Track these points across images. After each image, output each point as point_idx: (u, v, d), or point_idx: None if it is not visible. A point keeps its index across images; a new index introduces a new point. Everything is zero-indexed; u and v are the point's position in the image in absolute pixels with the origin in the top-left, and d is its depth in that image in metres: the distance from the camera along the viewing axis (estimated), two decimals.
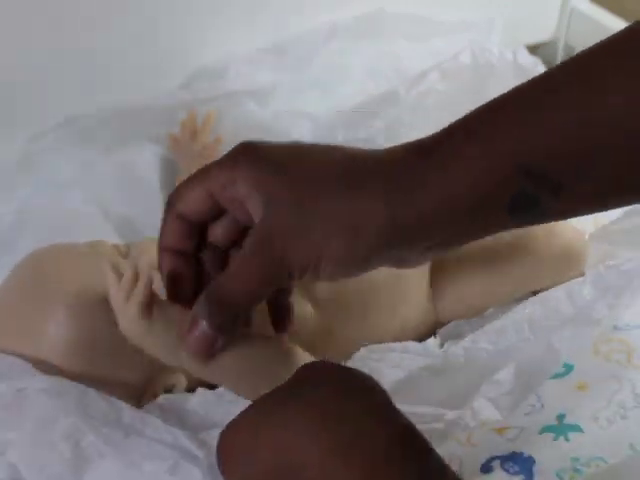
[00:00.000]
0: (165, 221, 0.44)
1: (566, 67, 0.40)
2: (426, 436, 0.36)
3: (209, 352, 0.44)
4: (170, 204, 0.44)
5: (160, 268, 0.45)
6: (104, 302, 0.55)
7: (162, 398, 0.56)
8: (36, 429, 0.48)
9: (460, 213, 0.39)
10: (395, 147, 0.41)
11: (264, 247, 0.40)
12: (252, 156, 0.41)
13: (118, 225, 0.77)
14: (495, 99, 0.42)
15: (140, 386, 0.57)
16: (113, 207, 0.78)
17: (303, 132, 0.79)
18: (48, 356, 0.54)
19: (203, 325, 0.42)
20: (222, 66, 0.80)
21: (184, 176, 0.77)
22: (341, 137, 0.78)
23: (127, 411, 0.50)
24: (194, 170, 0.78)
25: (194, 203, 0.43)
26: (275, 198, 0.40)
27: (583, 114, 0.37)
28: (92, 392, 0.51)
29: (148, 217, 0.78)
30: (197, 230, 0.45)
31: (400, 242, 0.40)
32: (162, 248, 0.45)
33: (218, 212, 0.44)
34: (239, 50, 0.82)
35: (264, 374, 0.46)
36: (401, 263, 0.43)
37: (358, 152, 0.41)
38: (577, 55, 0.40)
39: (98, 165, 0.78)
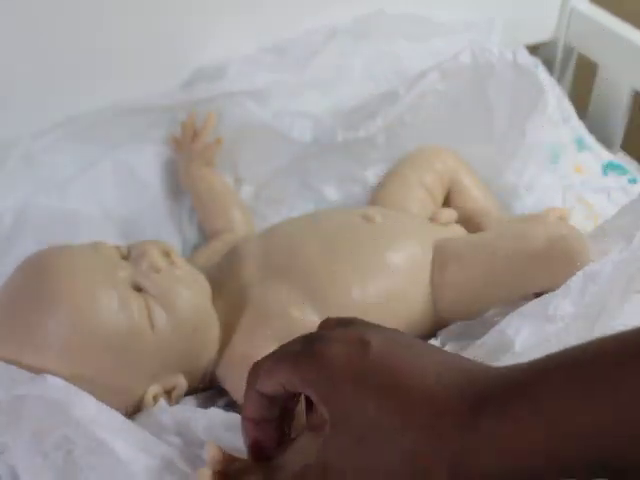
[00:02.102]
0: (247, 394, 0.44)
1: None
2: None
3: None
4: (249, 382, 0.44)
5: (244, 435, 0.46)
6: (106, 304, 0.55)
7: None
8: (31, 439, 0.48)
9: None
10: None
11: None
12: (321, 365, 0.40)
13: (118, 225, 0.77)
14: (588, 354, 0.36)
15: (140, 390, 0.57)
16: (113, 207, 0.78)
17: (303, 132, 0.79)
18: (48, 357, 0.54)
19: None
20: (222, 66, 0.80)
21: (184, 176, 0.78)
22: (341, 137, 0.78)
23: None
24: (194, 170, 0.79)
25: (271, 387, 0.43)
26: (339, 431, 0.39)
27: None
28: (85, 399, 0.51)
29: (148, 217, 0.79)
30: (279, 401, 0.44)
31: None
32: (245, 418, 0.45)
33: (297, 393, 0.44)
34: (239, 50, 0.82)
35: None
36: None
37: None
38: None
39: (98, 165, 0.78)
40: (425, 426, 0.37)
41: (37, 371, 0.53)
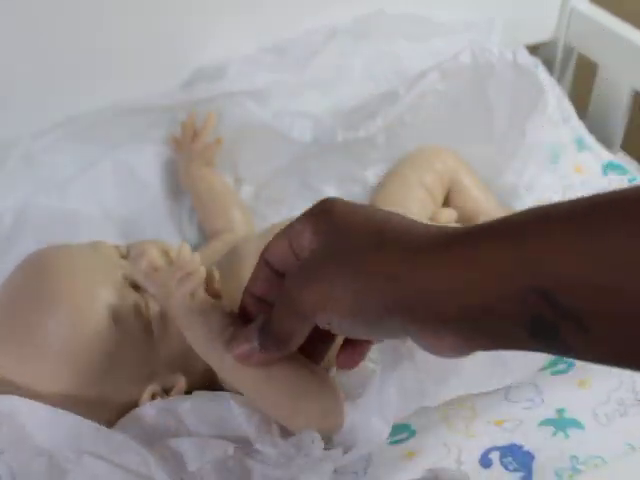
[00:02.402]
0: (255, 268, 0.49)
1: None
2: None
3: (250, 361, 0.48)
4: (261, 254, 0.48)
5: (240, 309, 0.51)
6: (106, 303, 0.55)
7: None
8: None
9: (473, 308, 0.37)
10: (430, 228, 0.41)
11: (286, 291, 0.44)
12: (324, 214, 0.44)
13: (118, 225, 0.77)
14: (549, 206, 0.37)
15: (139, 389, 0.57)
16: (113, 207, 0.78)
17: (303, 132, 0.79)
18: (48, 356, 0.54)
19: (254, 344, 0.47)
20: (222, 66, 0.80)
21: (184, 176, 0.78)
22: (341, 137, 0.78)
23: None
24: (194, 170, 0.79)
25: (277, 250, 0.47)
26: (313, 249, 0.44)
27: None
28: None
29: (148, 217, 0.79)
30: (282, 279, 0.46)
31: (402, 317, 0.39)
32: (247, 291, 0.50)
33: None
34: (239, 50, 0.82)
35: (285, 390, 0.50)
36: (418, 340, 0.41)
37: (407, 226, 0.42)
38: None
39: (98, 165, 0.78)
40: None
41: (37, 371, 0.53)
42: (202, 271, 0.53)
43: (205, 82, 0.80)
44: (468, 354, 0.40)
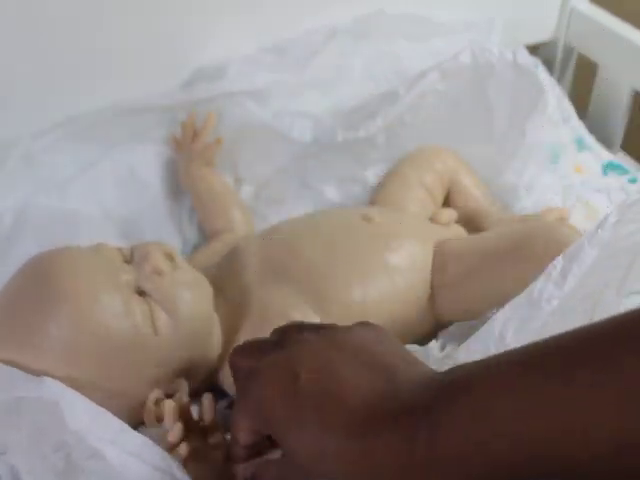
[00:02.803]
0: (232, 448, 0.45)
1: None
2: None
3: None
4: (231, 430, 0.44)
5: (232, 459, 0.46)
6: (108, 307, 0.55)
7: None
8: (30, 440, 0.49)
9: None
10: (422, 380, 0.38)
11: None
12: (291, 383, 0.39)
13: (118, 225, 0.77)
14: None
15: (142, 394, 0.57)
16: (113, 207, 0.78)
17: (303, 132, 0.79)
18: (49, 359, 0.54)
19: None
20: (222, 66, 0.80)
21: (184, 176, 0.78)
22: (341, 137, 0.78)
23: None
24: (194, 170, 0.79)
25: (248, 438, 0.43)
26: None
27: None
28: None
29: (148, 217, 0.79)
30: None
31: None
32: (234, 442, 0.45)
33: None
34: (239, 50, 0.82)
35: None
36: None
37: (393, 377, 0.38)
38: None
39: (98, 165, 0.78)
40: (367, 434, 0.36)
41: (37, 373, 0.53)
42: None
43: (205, 82, 0.80)
44: None
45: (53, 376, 0.53)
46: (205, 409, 0.52)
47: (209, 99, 0.79)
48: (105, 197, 0.78)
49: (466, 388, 0.35)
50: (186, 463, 0.50)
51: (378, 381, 0.38)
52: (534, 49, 0.99)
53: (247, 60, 0.81)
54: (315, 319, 0.61)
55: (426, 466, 0.35)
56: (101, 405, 0.53)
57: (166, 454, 0.49)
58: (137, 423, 0.57)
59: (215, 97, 0.79)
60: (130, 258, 0.59)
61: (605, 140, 0.92)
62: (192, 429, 0.52)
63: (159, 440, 0.51)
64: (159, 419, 0.55)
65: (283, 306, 0.62)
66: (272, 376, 0.40)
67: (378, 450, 0.36)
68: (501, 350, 0.38)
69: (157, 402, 0.57)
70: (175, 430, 0.50)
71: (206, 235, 0.78)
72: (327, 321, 0.62)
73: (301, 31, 0.84)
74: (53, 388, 0.51)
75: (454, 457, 0.34)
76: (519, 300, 0.55)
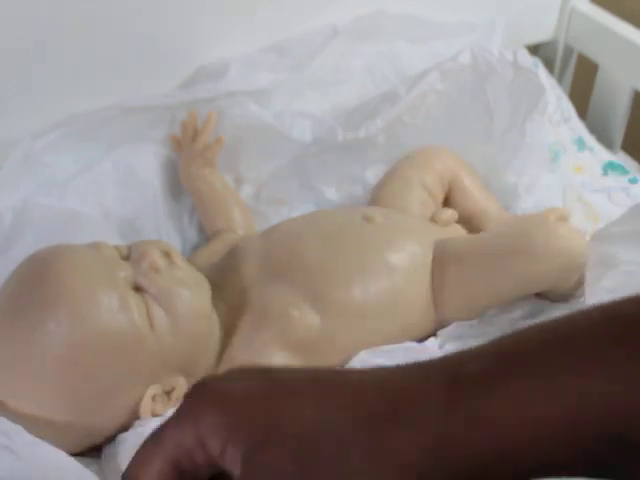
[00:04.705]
0: None
1: None
2: None
3: None
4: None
5: None
6: (106, 304, 0.55)
7: None
8: None
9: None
10: (418, 379, 0.34)
11: None
12: (216, 401, 0.32)
13: (118, 225, 0.77)
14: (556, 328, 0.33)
15: (139, 390, 0.57)
16: (113, 207, 0.78)
17: (303, 132, 0.79)
18: (48, 356, 0.54)
19: None
20: (222, 66, 0.80)
21: (184, 176, 0.78)
22: (341, 137, 0.78)
23: None
24: (194, 170, 0.79)
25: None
26: (258, 450, 0.31)
27: None
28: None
29: (148, 217, 0.79)
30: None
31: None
32: None
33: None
34: (239, 50, 0.82)
35: None
36: None
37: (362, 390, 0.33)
38: None
39: (98, 165, 0.78)
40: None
41: (36, 369, 0.53)
42: None
43: (206, 82, 0.80)
44: None
45: (51, 373, 0.53)
46: None
47: (210, 99, 0.79)
48: (105, 197, 0.78)
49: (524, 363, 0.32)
50: None
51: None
52: (534, 49, 0.99)
53: (247, 60, 0.81)
54: (315, 318, 0.61)
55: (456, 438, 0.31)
56: (98, 401, 0.54)
57: None
58: (133, 419, 0.57)
59: (215, 97, 0.79)
60: (128, 255, 0.60)
61: (605, 140, 0.92)
62: None
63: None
64: (155, 415, 0.55)
65: (282, 305, 0.62)
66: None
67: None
68: None
69: (154, 398, 0.57)
70: None
71: (206, 235, 0.78)
72: (327, 321, 0.62)
73: (301, 31, 0.84)
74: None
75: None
76: None
